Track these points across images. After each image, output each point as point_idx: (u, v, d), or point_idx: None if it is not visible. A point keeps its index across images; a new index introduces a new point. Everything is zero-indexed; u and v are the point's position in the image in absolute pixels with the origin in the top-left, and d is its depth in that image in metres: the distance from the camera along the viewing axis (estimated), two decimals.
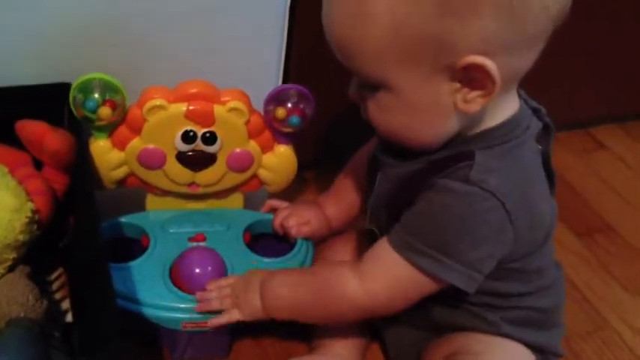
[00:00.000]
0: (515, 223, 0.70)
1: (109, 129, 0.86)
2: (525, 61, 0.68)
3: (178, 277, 0.84)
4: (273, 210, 0.97)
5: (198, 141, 0.87)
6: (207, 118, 0.86)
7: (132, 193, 0.93)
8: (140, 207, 0.95)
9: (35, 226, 0.75)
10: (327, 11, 0.69)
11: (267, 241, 0.95)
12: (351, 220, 0.94)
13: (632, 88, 1.38)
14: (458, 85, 0.66)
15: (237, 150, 0.89)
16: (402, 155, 0.76)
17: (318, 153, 1.14)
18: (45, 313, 0.73)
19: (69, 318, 0.79)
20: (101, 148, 0.87)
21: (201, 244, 0.89)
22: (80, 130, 0.83)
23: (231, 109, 0.86)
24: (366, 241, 0.84)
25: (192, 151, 0.88)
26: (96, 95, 0.81)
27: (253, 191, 0.96)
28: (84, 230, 0.75)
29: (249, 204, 0.97)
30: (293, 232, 0.92)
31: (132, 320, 0.81)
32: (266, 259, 0.89)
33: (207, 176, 0.91)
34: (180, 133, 0.87)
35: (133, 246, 0.91)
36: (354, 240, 0.94)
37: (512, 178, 0.70)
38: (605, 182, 1.28)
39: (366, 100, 0.72)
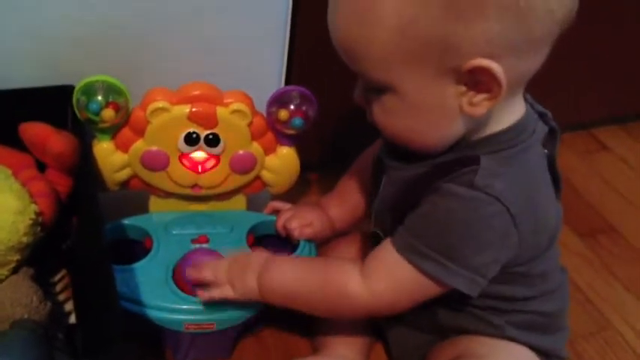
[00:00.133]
0: (519, 228, 0.70)
1: (113, 131, 0.86)
2: (531, 64, 0.67)
3: (181, 279, 0.84)
4: (276, 212, 0.97)
5: (202, 143, 0.88)
6: (210, 120, 0.86)
7: (135, 195, 0.94)
8: (143, 209, 0.95)
9: (39, 228, 0.75)
10: (332, 13, 0.69)
11: (270, 243, 0.95)
12: (355, 222, 0.94)
13: (634, 89, 1.38)
14: (464, 88, 0.66)
15: (240, 152, 0.90)
16: (406, 158, 0.75)
17: (321, 154, 1.14)
18: (49, 314, 0.73)
19: (72, 319, 0.79)
20: (104, 150, 0.87)
21: (204, 245, 0.90)
22: (83, 132, 0.84)
23: (234, 111, 0.86)
24: (370, 244, 0.84)
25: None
26: (99, 97, 0.82)
27: (256, 193, 0.96)
28: (87, 232, 0.75)
29: (252, 206, 0.97)
30: (296, 233, 0.92)
31: (135, 322, 0.81)
32: None
33: (210, 178, 0.91)
34: (183, 134, 0.87)
35: (136, 248, 0.91)
36: (358, 242, 0.94)
37: (517, 183, 0.70)
38: (607, 183, 1.28)
39: (372, 103, 0.72)
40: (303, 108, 0.87)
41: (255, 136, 0.89)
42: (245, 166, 0.91)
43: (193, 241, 0.90)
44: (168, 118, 0.85)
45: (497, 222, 0.69)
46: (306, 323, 0.90)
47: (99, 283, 0.68)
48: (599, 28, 1.17)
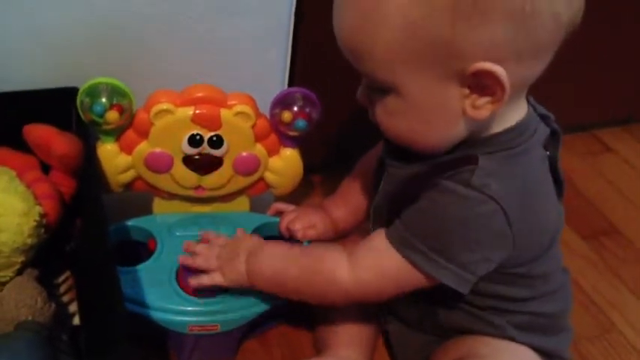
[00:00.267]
0: (514, 228, 0.70)
1: (117, 133, 0.86)
2: (535, 68, 0.67)
3: (184, 280, 0.84)
4: (279, 213, 0.97)
5: (205, 144, 0.88)
6: (214, 122, 0.86)
7: (139, 197, 0.94)
8: (147, 210, 0.95)
9: (43, 230, 0.75)
10: (337, 13, 0.69)
11: None
12: (358, 223, 0.94)
13: (637, 90, 1.38)
14: (467, 91, 0.66)
15: (244, 153, 0.90)
16: (406, 158, 0.76)
17: (325, 156, 1.14)
18: (53, 316, 0.73)
19: (76, 321, 0.80)
20: (108, 151, 0.87)
21: None
22: (88, 134, 0.84)
23: (238, 113, 0.86)
24: None
25: (199, 154, 0.88)
26: (103, 99, 0.82)
27: (259, 194, 0.96)
28: (91, 233, 0.75)
29: (256, 207, 0.98)
30: (299, 235, 0.92)
31: (139, 323, 0.81)
32: None
33: (213, 180, 0.91)
34: (187, 136, 0.87)
35: (140, 249, 0.92)
36: None
37: (514, 184, 0.70)
38: (611, 185, 1.28)
39: (375, 103, 0.72)
40: (307, 110, 0.88)
41: (258, 138, 0.89)
42: (248, 167, 0.91)
43: None
44: (172, 120, 0.85)
45: (492, 221, 0.69)
46: (310, 324, 0.90)
47: (103, 284, 0.68)
48: (602, 29, 1.17)
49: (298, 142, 0.92)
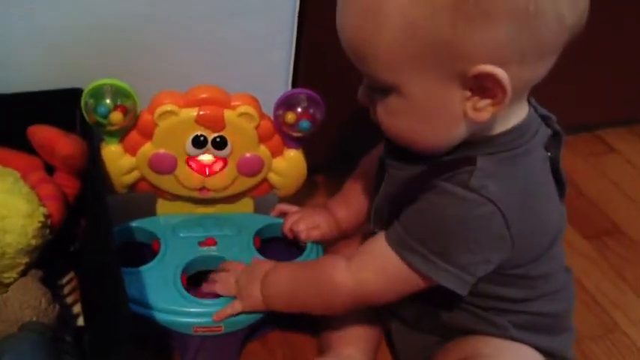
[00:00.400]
0: (512, 230, 0.70)
1: (121, 134, 0.86)
2: (538, 70, 0.67)
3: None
4: (283, 214, 0.97)
5: (209, 146, 0.88)
6: (218, 123, 0.86)
7: (142, 198, 0.94)
8: (151, 212, 0.95)
9: (47, 231, 0.75)
10: (340, 14, 0.69)
11: (277, 246, 0.96)
12: (361, 224, 0.94)
13: None
14: (468, 93, 0.66)
15: (248, 154, 0.90)
16: (407, 158, 0.76)
17: (328, 157, 1.14)
18: (57, 317, 0.73)
19: (80, 322, 0.80)
20: (112, 153, 0.87)
21: (212, 248, 0.90)
22: (92, 135, 0.84)
23: (242, 114, 0.86)
24: None
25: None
26: (107, 101, 0.82)
27: (263, 195, 0.96)
28: (96, 234, 0.75)
29: (259, 208, 0.98)
30: (303, 236, 0.92)
31: (143, 325, 0.81)
32: None
33: (217, 181, 0.91)
34: (190, 137, 0.87)
35: (144, 250, 0.92)
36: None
37: (513, 185, 0.70)
38: (614, 185, 1.28)
39: (376, 103, 0.72)
40: (310, 111, 0.88)
41: (262, 139, 0.89)
42: (252, 168, 0.91)
43: (201, 243, 0.90)
44: (176, 121, 0.86)
45: (490, 223, 0.69)
46: (312, 325, 0.91)
47: (107, 285, 0.68)
48: (606, 29, 1.16)
49: (302, 143, 0.92)
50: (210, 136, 0.87)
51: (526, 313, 0.79)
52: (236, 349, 0.89)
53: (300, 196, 1.01)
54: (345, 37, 0.69)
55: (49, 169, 0.82)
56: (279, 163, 0.92)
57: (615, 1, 1.18)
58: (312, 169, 0.95)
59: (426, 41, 0.63)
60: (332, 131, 1.07)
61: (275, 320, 0.91)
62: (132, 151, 0.88)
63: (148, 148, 0.88)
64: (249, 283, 0.83)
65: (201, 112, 0.85)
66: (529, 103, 0.74)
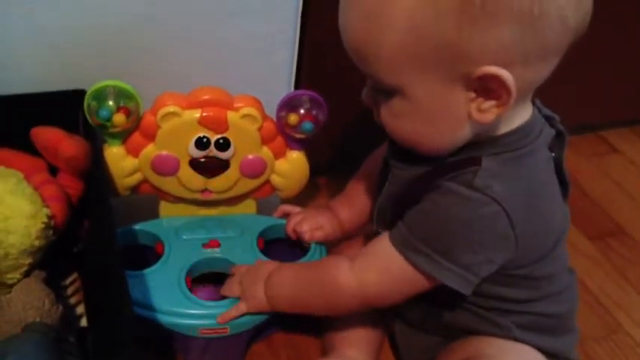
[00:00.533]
0: (517, 230, 0.70)
1: (123, 136, 0.87)
2: (542, 71, 0.67)
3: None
4: (286, 215, 0.97)
5: (212, 147, 0.88)
6: (221, 125, 0.86)
7: (145, 201, 0.94)
8: (153, 214, 0.95)
9: (51, 232, 0.76)
10: (343, 15, 0.68)
11: (280, 247, 0.96)
12: (364, 224, 0.94)
13: None
14: (473, 94, 0.66)
15: (250, 156, 0.90)
16: (410, 159, 0.76)
17: (331, 158, 1.14)
18: (60, 317, 0.73)
19: (83, 323, 0.80)
20: (115, 154, 0.87)
21: (216, 250, 0.90)
22: (95, 136, 0.84)
23: (245, 116, 0.86)
24: None
25: (206, 157, 0.89)
26: (110, 102, 0.82)
27: (266, 197, 0.96)
28: (99, 235, 0.75)
29: (262, 210, 0.98)
30: (306, 236, 0.92)
31: (146, 326, 0.81)
32: None
33: (220, 182, 0.91)
34: (193, 139, 0.87)
35: (147, 253, 0.92)
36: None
37: (518, 185, 0.70)
38: (617, 185, 1.28)
39: (380, 104, 0.72)
40: (313, 112, 0.88)
41: (265, 141, 0.89)
42: (255, 170, 0.91)
43: (204, 245, 0.90)
44: (178, 123, 0.86)
45: (494, 223, 0.69)
46: (316, 326, 0.91)
47: (111, 286, 0.68)
48: (608, 30, 1.17)
49: (304, 145, 0.92)
50: (213, 138, 0.87)
51: (529, 313, 0.79)
52: (241, 350, 0.89)
53: (303, 198, 1.01)
54: (347, 39, 0.69)
55: (53, 171, 0.82)
56: (281, 164, 0.92)
57: (618, 2, 1.18)
58: (315, 170, 0.95)
59: (430, 43, 0.63)
60: (334, 132, 1.07)
61: (279, 321, 0.91)
62: (134, 152, 0.88)
63: (150, 150, 0.88)
64: (253, 284, 0.83)
65: (204, 114, 0.85)
66: (533, 103, 0.74)
